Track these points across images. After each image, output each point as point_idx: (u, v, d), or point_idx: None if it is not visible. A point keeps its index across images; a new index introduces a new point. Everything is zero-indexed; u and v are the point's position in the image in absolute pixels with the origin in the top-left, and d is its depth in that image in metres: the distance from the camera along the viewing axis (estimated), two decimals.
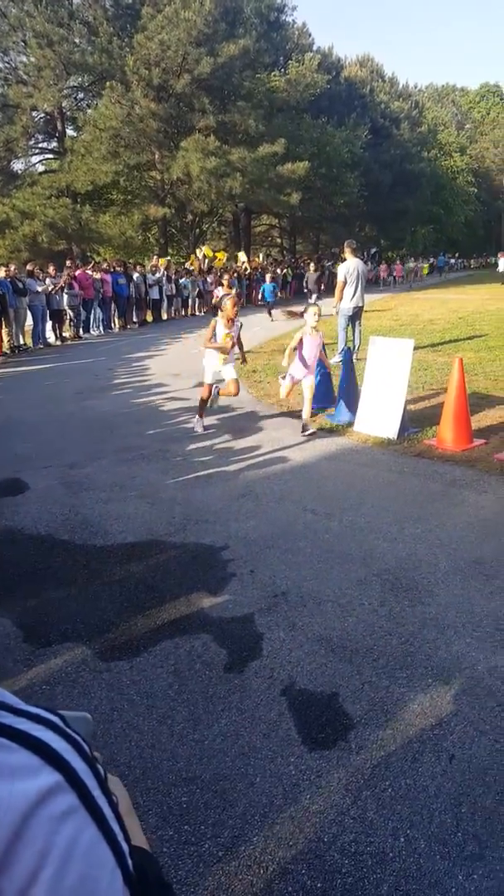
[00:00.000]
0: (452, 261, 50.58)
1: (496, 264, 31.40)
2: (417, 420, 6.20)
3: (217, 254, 24.22)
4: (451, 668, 2.58)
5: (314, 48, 35.13)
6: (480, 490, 4.52)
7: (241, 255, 25.97)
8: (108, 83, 23.39)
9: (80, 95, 27.72)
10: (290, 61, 30.98)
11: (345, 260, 9.59)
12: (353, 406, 6.26)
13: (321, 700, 2.43)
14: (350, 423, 6.20)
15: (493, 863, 1.75)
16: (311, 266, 21.21)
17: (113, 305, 16.69)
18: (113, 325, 16.77)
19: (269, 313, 17.17)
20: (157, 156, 25.12)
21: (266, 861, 1.79)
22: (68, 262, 15.55)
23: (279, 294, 21.35)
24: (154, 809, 1.98)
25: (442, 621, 2.90)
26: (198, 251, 23.12)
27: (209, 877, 1.76)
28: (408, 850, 1.80)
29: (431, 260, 44.80)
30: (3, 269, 13.07)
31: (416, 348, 6.50)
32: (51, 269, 14.79)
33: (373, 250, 35.13)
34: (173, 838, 1.88)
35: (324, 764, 2.12)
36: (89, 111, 26.29)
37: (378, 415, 5.87)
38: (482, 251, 59.90)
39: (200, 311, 20.15)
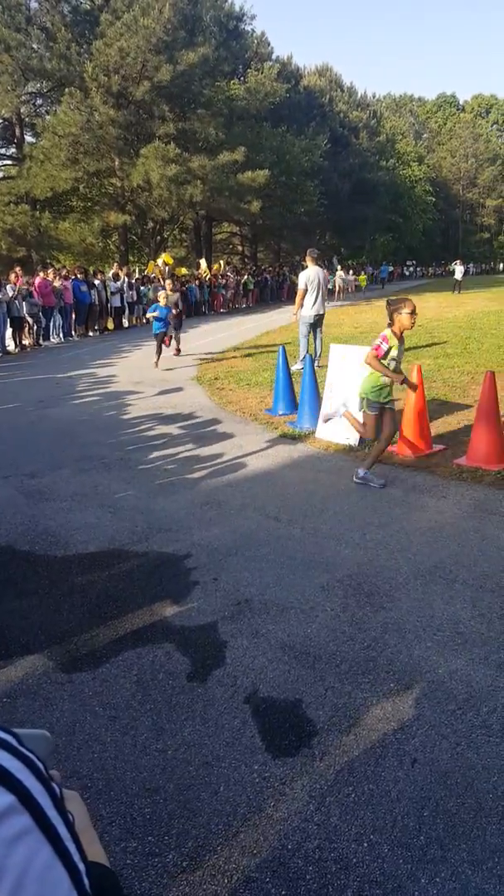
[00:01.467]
0: (411, 269, 51.65)
1: (454, 272, 32.10)
2: None
3: (178, 269, 24.23)
4: (412, 672, 2.62)
5: (273, 57, 35.55)
6: (440, 495, 4.62)
7: (203, 263, 26.02)
8: (66, 89, 23.16)
9: (39, 101, 27.37)
10: (249, 70, 31.27)
11: (306, 268, 9.69)
12: (315, 413, 6.32)
13: (284, 707, 2.44)
14: (312, 431, 6.26)
15: (456, 865, 1.78)
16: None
17: (73, 313, 16.47)
18: (73, 332, 16.55)
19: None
20: (116, 163, 24.96)
21: (230, 870, 1.79)
22: (17, 270, 15.18)
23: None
24: (117, 821, 1.96)
25: (403, 626, 2.95)
26: (158, 259, 23.05)
27: (173, 887, 1.74)
28: (371, 856, 1.82)
29: (371, 270, 42.83)
30: None
31: None
32: (11, 277, 14.52)
33: (334, 261, 35.52)
34: (137, 850, 1.86)
35: (287, 771, 2.13)
36: (48, 117, 25.96)
37: (339, 422, 5.94)
38: (440, 259, 61.39)
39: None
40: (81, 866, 0.48)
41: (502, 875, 1.75)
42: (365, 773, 2.11)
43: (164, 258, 21.90)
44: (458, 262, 32.84)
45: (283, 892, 1.72)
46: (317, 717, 2.38)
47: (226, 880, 1.76)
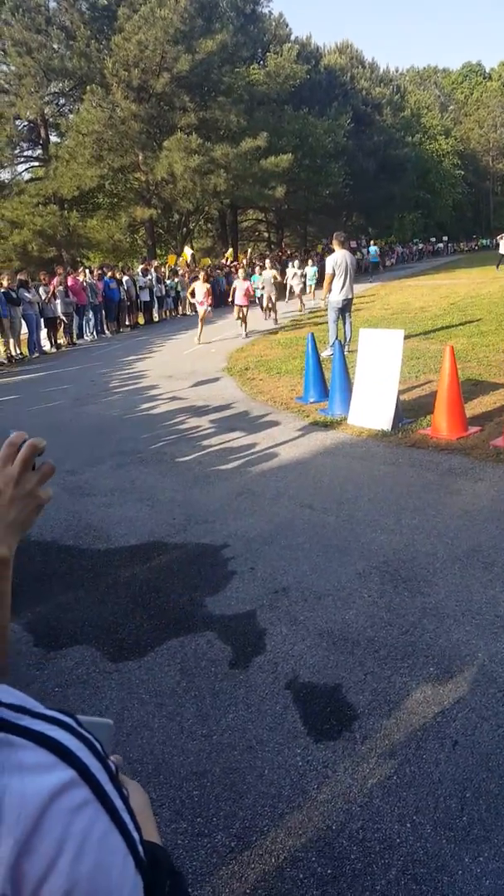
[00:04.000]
0: (441, 245, 50.45)
1: (490, 245, 30.76)
2: (411, 410, 6.25)
3: (203, 261, 24.39)
4: (451, 656, 2.63)
5: (292, 38, 34.98)
6: (476, 478, 4.58)
7: (228, 253, 26.02)
8: (88, 87, 23.32)
9: (62, 101, 27.63)
10: (268, 53, 30.84)
11: (333, 251, 9.60)
12: (346, 399, 6.30)
13: (325, 692, 2.49)
14: (344, 417, 6.25)
15: (499, 845, 1.81)
16: (267, 263, 17.64)
17: (104, 310, 16.71)
18: (106, 329, 16.78)
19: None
20: (140, 157, 25.07)
21: (277, 850, 1.85)
22: (59, 270, 15.54)
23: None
24: (167, 804, 2.04)
25: (441, 610, 2.96)
26: (186, 251, 23.15)
27: (223, 867, 1.81)
28: (414, 836, 1.86)
29: (401, 248, 41.77)
30: None
31: (407, 336, 6.55)
32: (42, 277, 14.81)
33: (366, 244, 34.90)
34: (187, 831, 1.94)
35: (330, 754, 2.18)
36: (71, 116, 26.22)
37: (371, 407, 5.92)
38: (471, 234, 59.79)
39: (190, 311, 20.16)
40: (136, 835, 0.53)
41: None
42: (406, 755, 2.14)
43: (184, 256, 22.06)
44: (501, 236, 31.68)
45: (329, 871, 1.78)
46: (357, 701, 2.42)
47: (273, 860, 1.83)
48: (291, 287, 18.68)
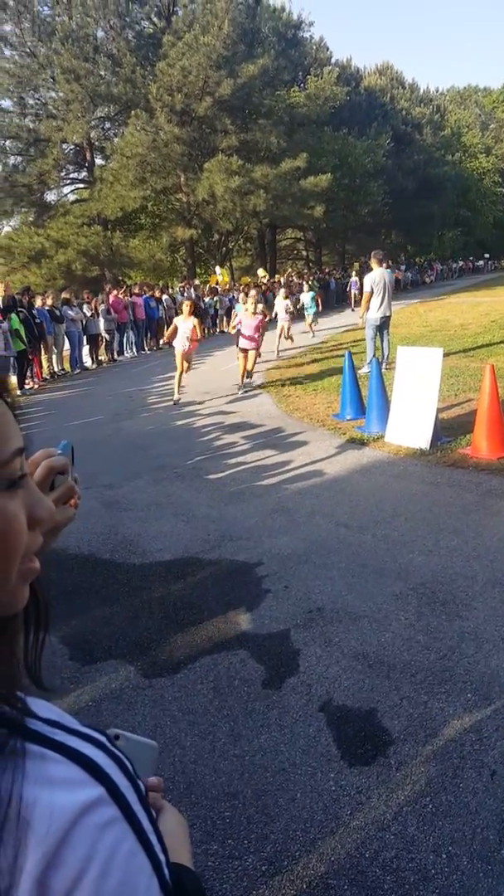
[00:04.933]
0: (482, 263, 49.91)
1: None
2: (450, 429, 6.16)
3: (242, 279, 24.82)
4: (490, 682, 2.56)
5: (332, 61, 35.42)
6: None
7: (261, 271, 26.28)
8: (133, 112, 24.03)
9: (107, 125, 28.52)
10: (308, 76, 31.29)
11: (371, 270, 9.61)
12: (383, 417, 6.26)
13: (359, 716, 2.45)
14: (381, 435, 6.20)
15: None
16: (282, 292, 14.67)
17: (145, 328, 17.05)
18: (145, 346, 17.10)
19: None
20: (182, 179, 25.63)
21: (308, 875, 1.82)
22: (107, 289, 15.95)
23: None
24: (198, 824, 2.03)
25: (480, 635, 2.89)
26: (217, 274, 23.52)
27: (253, 890, 1.79)
28: (450, 868, 1.81)
29: (440, 266, 41.74)
30: (41, 298, 13.53)
31: (447, 354, 6.48)
32: (86, 296, 15.23)
33: (402, 266, 34.84)
34: (218, 852, 1.93)
35: (364, 780, 2.14)
36: (116, 140, 27.01)
37: (409, 425, 5.86)
38: None
39: (229, 329, 20.38)
40: (162, 857, 0.53)
41: None
42: (442, 783, 2.09)
43: (213, 277, 22.42)
44: None
45: None
46: (392, 726, 2.37)
47: (304, 885, 1.80)
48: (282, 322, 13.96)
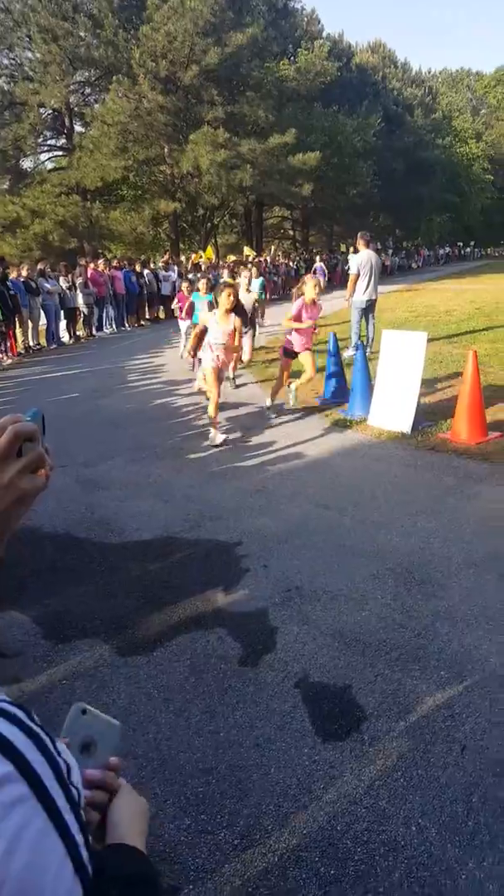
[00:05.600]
0: (468, 250, 49.99)
1: None
2: (432, 413, 6.19)
3: (227, 258, 24.52)
4: (463, 660, 2.61)
5: (324, 35, 34.73)
6: (495, 483, 4.52)
7: (247, 249, 26.00)
8: (114, 77, 23.30)
9: (87, 90, 27.68)
10: (299, 49, 30.65)
11: (357, 251, 9.54)
12: (366, 400, 6.26)
13: (334, 692, 2.48)
14: (364, 418, 6.21)
15: None
16: (253, 271, 13.01)
17: (125, 303, 16.78)
18: (126, 322, 16.86)
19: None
20: (166, 150, 25.08)
21: (280, 848, 1.85)
22: (83, 262, 15.64)
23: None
24: (172, 800, 2.05)
25: (455, 614, 2.93)
26: (201, 254, 23.25)
27: (225, 864, 1.81)
28: (419, 839, 1.85)
29: (427, 251, 42.24)
30: (16, 269, 13.20)
31: (431, 340, 6.49)
32: (63, 268, 14.91)
33: (389, 249, 34.64)
34: (191, 827, 1.94)
35: (337, 755, 2.17)
36: (97, 106, 26.23)
37: (392, 409, 5.88)
38: (499, 239, 59.00)
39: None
40: (79, 838, 0.50)
41: None
42: (414, 758, 2.13)
43: (200, 255, 22.11)
44: None
45: (332, 872, 1.77)
46: (366, 703, 2.40)
47: (276, 858, 1.82)
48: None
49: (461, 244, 49.30)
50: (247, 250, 25.55)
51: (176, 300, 11.33)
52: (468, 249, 50.20)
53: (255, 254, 25.19)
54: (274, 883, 1.75)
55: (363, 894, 1.70)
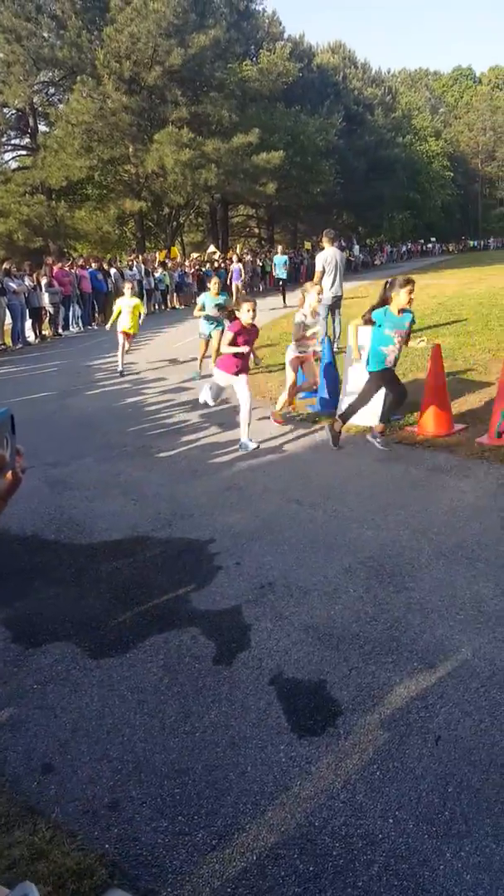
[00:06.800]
0: (430, 245, 50.80)
1: (478, 247, 31.00)
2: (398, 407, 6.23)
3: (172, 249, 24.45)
4: (435, 651, 2.63)
5: (285, 36, 34.94)
6: (461, 475, 4.58)
7: (212, 248, 25.98)
8: (78, 77, 23.06)
9: (51, 90, 27.33)
10: (261, 50, 30.78)
11: (323, 249, 9.58)
12: (335, 395, 6.28)
13: (309, 688, 2.47)
14: (332, 413, 6.23)
15: (480, 839, 1.80)
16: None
17: (93, 302, 16.57)
18: (93, 321, 16.64)
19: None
20: (130, 149, 24.87)
21: (259, 847, 1.83)
22: (48, 260, 15.37)
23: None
24: (148, 802, 2.01)
25: (426, 605, 2.95)
26: (166, 252, 23.14)
27: (203, 865, 1.79)
28: (397, 831, 1.84)
29: (390, 248, 41.87)
30: None
31: None
32: (28, 267, 14.64)
33: (354, 245, 34.95)
34: (167, 829, 1.91)
35: (313, 750, 2.16)
36: (61, 106, 25.92)
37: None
38: (460, 235, 60.13)
39: (179, 305, 20.06)
40: None
41: None
42: (389, 751, 2.13)
43: (161, 253, 22.01)
44: None
45: (311, 868, 1.75)
46: (341, 697, 2.40)
47: (254, 857, 1.80)
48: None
49: (423, 240, 50.11)
50: (212, 249, 25.49)
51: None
52: (430, 245, 51.00)
53: (219, 252, 25.14)
54: (253, 882, 1.73)
55: (343, 889, 1.69)
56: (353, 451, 5.33)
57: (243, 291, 15.72)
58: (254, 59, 31.16)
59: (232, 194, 29.67)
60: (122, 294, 9.54)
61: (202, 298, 8.45)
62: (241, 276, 19.45)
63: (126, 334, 9.27)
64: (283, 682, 2.51)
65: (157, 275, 19.65)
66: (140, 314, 9.36)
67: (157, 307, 19.83)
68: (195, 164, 23.74)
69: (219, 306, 8.18)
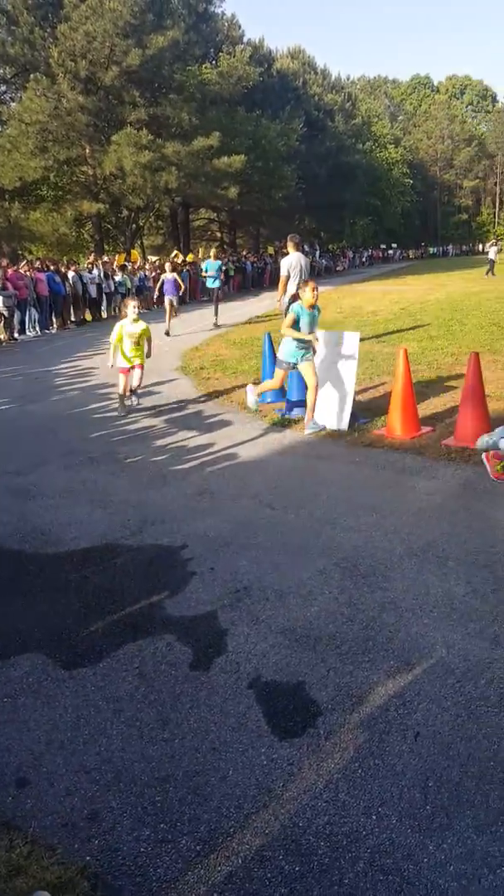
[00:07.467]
0: (391, 252, 51.80)
1: (438, 254, 31.69)
2: (366, 411, 6.34)
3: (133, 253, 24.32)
4: (410, 649, 2.67)
5: (244, 40, 35.10)
6: (429, 476, 4.68)
7: (176, 252, 25.91)
8: (32, 75, 22.66)
9: (3, 88, 26.77)
10: (220, 53, 30.81)
11: (287, 254, 9.65)
12: (303, 399, 6.33)
13: (288, 690, 2.47)
14: (301, 417, 6.27)
15: (461, 831, 1.83)
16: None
17: (51, 305, 16.29)
18: (51, 325, 16.35)
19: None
20: (87, 150, 24.57)
21: (244, 850, 1.82)
22: (3, 262, 15.03)
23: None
24: (128, 811, 1.98)
25: (400, 605, 3.00)
26: (126, 255, 22.94)
27: (189, 871, 1.77)
28: (380, 827, 1.87)
29: (352, 254, 42.90)
30: None
31: (360, 340, 6.64)
32: None
33: (316, 251, 35.34)
34: (150, 837, 1.89)
35: (294, 752, 2.17)
36: (13, 105, 25.43)
37: (328, 407, 5.97)
38: (420, 242, 61.46)
39: (140, 308, 19.90)
40: None
41: None
42: (370, 748, 2.15)
43: (121, 256, 21.84)
44: (493, 241, 32.45)
45: (297, 868, 1.76)
46: (320, 697, 2.42)
47: (240, 860, 1.80)
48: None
49: (384, 246, 51.12)
50: (175, 252, 25.42)
51: None
52: (391, 252, 52.03)
53: (181, 255, 25.06)
54: (240, 885, 1.72)
55: (329, 887, 1.70)
56: (323, 454, 5.38)
57: (175, 310, 14.02)
58: (213, 62, 31.21)
59: (193, 198, 29.64)
60: (124, 313, 7.03)
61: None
62: (177, 289, 14.27)
63: (127, 370, 6.98)
64: (261, 685, 2.51)
65: (117, 278, 19.46)
66: (147, 342, 7.09)
67: (117, 311, 19.64)
68: (155, 167, 23.61)
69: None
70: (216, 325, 14.68)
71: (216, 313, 15.13)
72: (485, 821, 1.86)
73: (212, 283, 15.58)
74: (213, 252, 19.61)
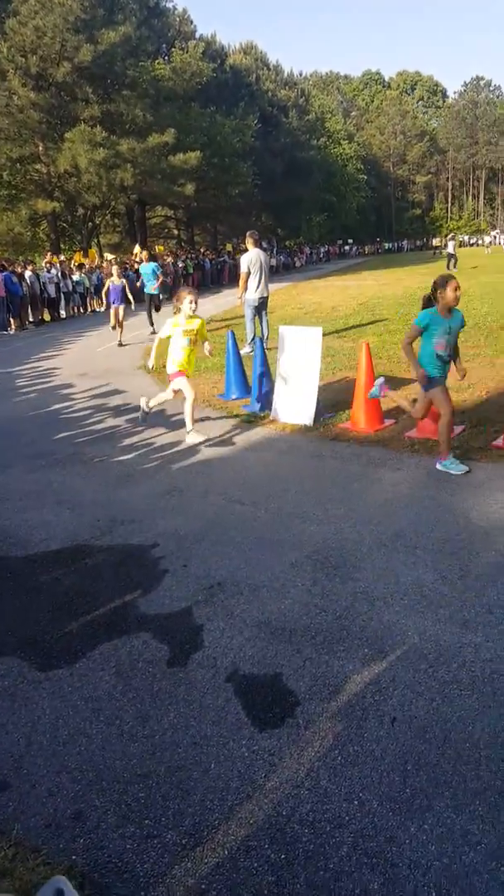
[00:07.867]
0: (347, 248, 52.37)
1: (393, 249, 32.31)
2: (330, 405, 6.41)
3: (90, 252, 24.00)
4: (383, 636, 2.73)
5: (197, 35, 34.94)
6: (394, 468, 4.77)
7: (137, 248, 25.61)
8: None
9: None
10: (173, 49, 30.60)
11: (247, 250, 9.67)
12: (268, 395, 6.37)
13: (266, 682, 2.50)
14: (267, 413, 6.31)
15: (440, 811, 1.89)
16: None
17: (8, 305, 15.93)
18: (8, 326, 16.01)
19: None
20: (41, 148, 24.10)
21: (229, 841, 1.84)
22: None
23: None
24: (112, 809, 1.98)
25: (371, 594, 3.06)
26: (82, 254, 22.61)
27: (175, 865, 1.78)
28: (362, 812, 1.91)
29: (309, 250, 42.39)
30: None
31: (322, 335, 6.70)
32: None
33: (273, 247, 35.44)
34: (135, 834, 1.89)
35: (275, 742, 2.20)
36: None
37: (293, 402, 6.02)
38: (375, 237, 62.26)
39: (100, 307, 19.66)
40: None
41: (484, 815, 1.87)
42: (349, 735, 2.20)
43: (78, 255, 21.54)
44: (450, 236, 33.29)
45: (282, 856, 1.79)
46: (298, 688, 2.45)
47: (225, 852, 1.82)
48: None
49: (340, 242, 51.65)
50: (137, 249, 25.10)
51: None
52: (347, 248, 52.60)
53: (143, 252, 24.79)
54: (227, 876, 1.74)
55: (315, 872, 1.74)
56: (290, 449, 5.42)
57: (121, 324, 12.35)
58: (166, 57, 30.96)
59: (149, 195, 29.35)
60: (177, 307, 5.70)
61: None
62: (123, 297, 12.23)
63: (180, 374, 5.78)
64: (239, 678, 2.53)
65: (75, 277, 19.17)
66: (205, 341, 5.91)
67: (76, 310, 19.35)
68: (110, 164, 23.32)
69: None
70: (121, 345, 12.14)
71: (150, 322, 13.40)
72: (463, 800, 1.93)
73: (147, 289, 13.51)
74: (144, 255, 15.71)
